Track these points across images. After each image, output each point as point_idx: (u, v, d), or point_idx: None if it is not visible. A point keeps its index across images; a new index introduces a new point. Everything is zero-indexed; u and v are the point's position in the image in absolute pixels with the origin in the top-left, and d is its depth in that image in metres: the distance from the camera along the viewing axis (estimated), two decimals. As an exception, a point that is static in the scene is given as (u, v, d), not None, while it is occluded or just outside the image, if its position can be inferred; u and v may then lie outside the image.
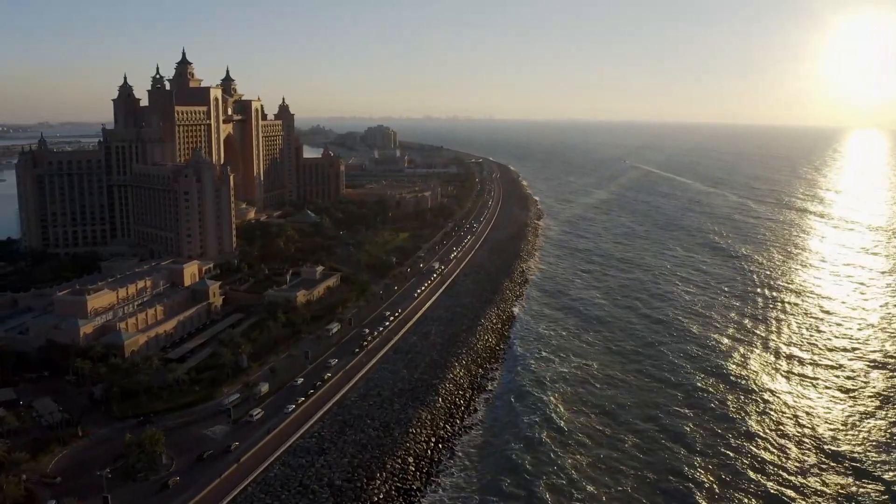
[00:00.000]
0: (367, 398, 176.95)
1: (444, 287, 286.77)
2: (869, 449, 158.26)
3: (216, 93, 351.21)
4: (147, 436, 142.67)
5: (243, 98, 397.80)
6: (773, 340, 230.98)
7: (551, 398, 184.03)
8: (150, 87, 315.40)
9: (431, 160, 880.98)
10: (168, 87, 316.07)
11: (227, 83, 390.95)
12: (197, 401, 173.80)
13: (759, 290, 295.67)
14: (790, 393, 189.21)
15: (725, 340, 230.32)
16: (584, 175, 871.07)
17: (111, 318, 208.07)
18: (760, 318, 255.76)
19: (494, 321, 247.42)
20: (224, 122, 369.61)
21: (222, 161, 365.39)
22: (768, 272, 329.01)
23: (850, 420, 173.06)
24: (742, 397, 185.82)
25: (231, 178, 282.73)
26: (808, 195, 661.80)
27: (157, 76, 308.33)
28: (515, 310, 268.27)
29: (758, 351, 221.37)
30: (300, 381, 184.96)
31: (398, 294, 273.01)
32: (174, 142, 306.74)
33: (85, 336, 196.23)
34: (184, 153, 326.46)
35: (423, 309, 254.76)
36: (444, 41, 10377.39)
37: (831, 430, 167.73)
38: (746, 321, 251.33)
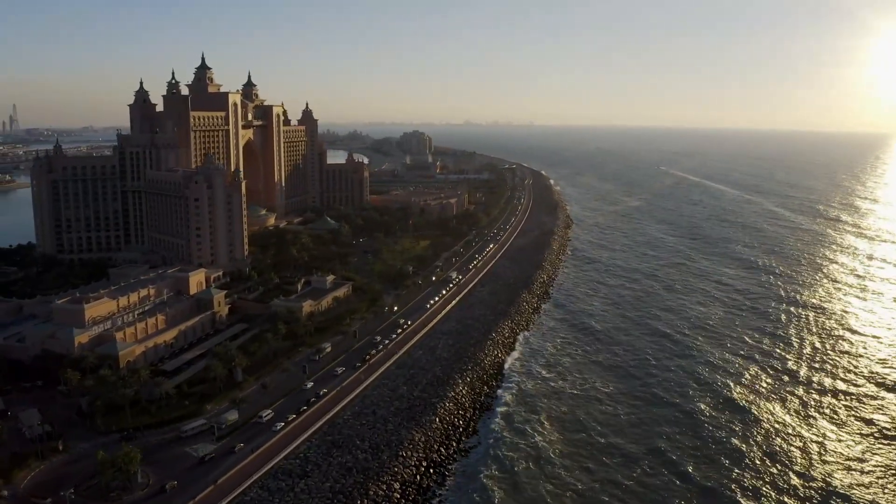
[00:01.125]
0: (360, 417, 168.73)
1: (458, 298, 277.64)
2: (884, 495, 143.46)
3: (235, 98, 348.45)
4: (121, 454, 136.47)
5: (265, 103, 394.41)
6: (794, 365, 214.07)
7: (551, 424, 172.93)
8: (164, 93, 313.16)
9: (463, 166, 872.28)
10: (184, 91, 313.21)
11: (248, 88, 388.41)
12: (185, 416, 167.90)
13: (782, 307, 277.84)
14: (810, 426, 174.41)
15: (743, 363, 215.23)
16: (618, 182, 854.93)
17: (109, 327, 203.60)
18: (781, 338, 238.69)
19: (507, 335, 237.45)
20: (244, 127, 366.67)
21: (241, 167, 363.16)
22: (795, 288, 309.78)
23: (866, 460, 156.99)
24: (755, 429, 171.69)
25: (243, 184, 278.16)
26: (845, 204, 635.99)
27: (173, 81, 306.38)
28: (531, 323, 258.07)
29: (774, 376, 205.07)
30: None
31: (410, 305, 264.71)
32: (189, 147, 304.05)
33: (80, 345, 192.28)
34: (200, 159, 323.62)
35: (434, 321, 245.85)
36: (486, 47, 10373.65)
37: (843, 468, 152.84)
38: (765, 342, 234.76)
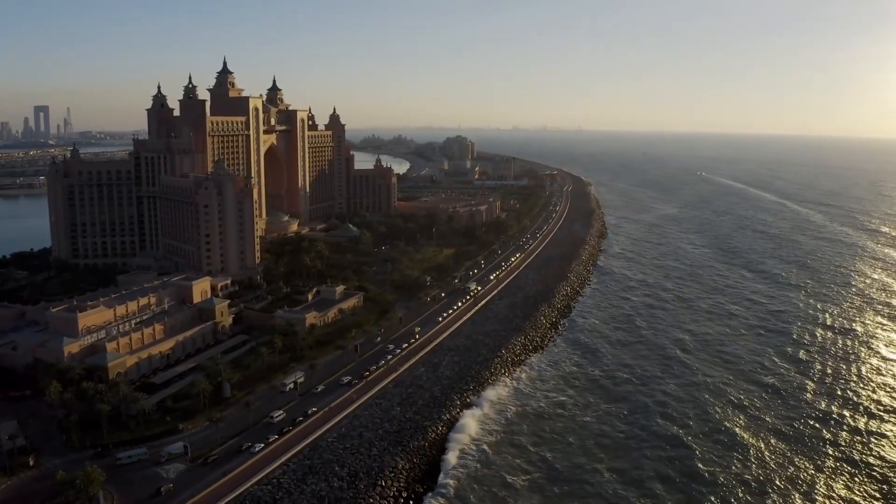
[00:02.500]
0: (345, 439, 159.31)
1: (473, 310, 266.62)
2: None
3: (256, 103, 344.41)
4: (81, 474, 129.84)
5: (289, 108, 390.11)
6: (822, 401, 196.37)
7: (542, 458, 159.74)
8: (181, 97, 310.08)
9: (502, 171, 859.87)
10: (200, 96, 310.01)
11: (273, 93, 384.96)
12: (164, 433, 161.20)
13: (819, 332, 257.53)
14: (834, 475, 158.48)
15: (770, 404, 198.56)
16: (658, 189, 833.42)
17: (103, 336, 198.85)
18: (812, 372, 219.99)
19: (518, 353, 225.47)
20: (266, 132, 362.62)
21: (262, 172, 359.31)
22: (835, 312, 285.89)
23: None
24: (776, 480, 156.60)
25: (254, 190, 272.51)
26: (892, 214, 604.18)
27: (190, 85, 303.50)
28: (546, 340, 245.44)
29: (800, 416, 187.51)
30: (277, 416, 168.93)
31: (422, 317, 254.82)
32: (205, 152, 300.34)
33: (70, 355, 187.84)
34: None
35: (443, 336, 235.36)
36: (534, 52, 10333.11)
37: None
38: (793, 377, 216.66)
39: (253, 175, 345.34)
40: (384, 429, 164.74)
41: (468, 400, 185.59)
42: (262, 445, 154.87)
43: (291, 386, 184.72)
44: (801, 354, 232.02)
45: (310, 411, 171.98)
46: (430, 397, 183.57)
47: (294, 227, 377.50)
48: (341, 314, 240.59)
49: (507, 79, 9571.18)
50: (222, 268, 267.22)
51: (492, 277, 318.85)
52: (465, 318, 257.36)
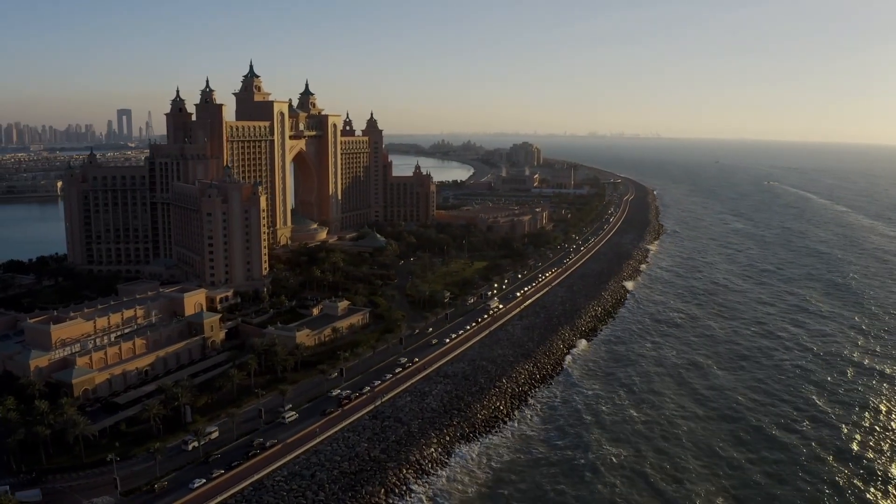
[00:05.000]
0: (294, 479, 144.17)
1: (487, 331, 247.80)
2: None
3: (281, 107, 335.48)
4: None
5: (322, 112, 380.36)
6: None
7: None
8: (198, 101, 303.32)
9: (562, 179, 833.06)
10: (219, 100, 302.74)
11: (305, 98, 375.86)
12: (100, 462, 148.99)
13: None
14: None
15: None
16: (725, 199, 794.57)
17: (78, 350, 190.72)
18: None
19: (521, 383, 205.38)
20: (293, 137, 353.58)
21: (287, 179, 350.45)
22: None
23: None
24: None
25: (262, 198, 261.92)
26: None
27: (207, 89, 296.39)
28: (558, 366, 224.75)
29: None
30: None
31: (429, 337, 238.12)
32: (221, 158, 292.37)
33: (37, 369, 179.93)
34: (240, 170, 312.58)
35: (445, 359, 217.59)
36: (611, 57, 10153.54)
37: None
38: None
39: (277, 182, 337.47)
40: (341, 469, 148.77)
41: (446, 438, 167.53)
42: (204, 481, 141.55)
43: (195, 444, 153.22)
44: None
45: (268, 443, 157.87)
46: (405, 433, 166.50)
47: (322, 235, 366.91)
48: (335, 333, 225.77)
49: (585, 83, 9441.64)
50: (227, 279, 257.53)
51: (518, 294, 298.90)
52: (474, 339, 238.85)
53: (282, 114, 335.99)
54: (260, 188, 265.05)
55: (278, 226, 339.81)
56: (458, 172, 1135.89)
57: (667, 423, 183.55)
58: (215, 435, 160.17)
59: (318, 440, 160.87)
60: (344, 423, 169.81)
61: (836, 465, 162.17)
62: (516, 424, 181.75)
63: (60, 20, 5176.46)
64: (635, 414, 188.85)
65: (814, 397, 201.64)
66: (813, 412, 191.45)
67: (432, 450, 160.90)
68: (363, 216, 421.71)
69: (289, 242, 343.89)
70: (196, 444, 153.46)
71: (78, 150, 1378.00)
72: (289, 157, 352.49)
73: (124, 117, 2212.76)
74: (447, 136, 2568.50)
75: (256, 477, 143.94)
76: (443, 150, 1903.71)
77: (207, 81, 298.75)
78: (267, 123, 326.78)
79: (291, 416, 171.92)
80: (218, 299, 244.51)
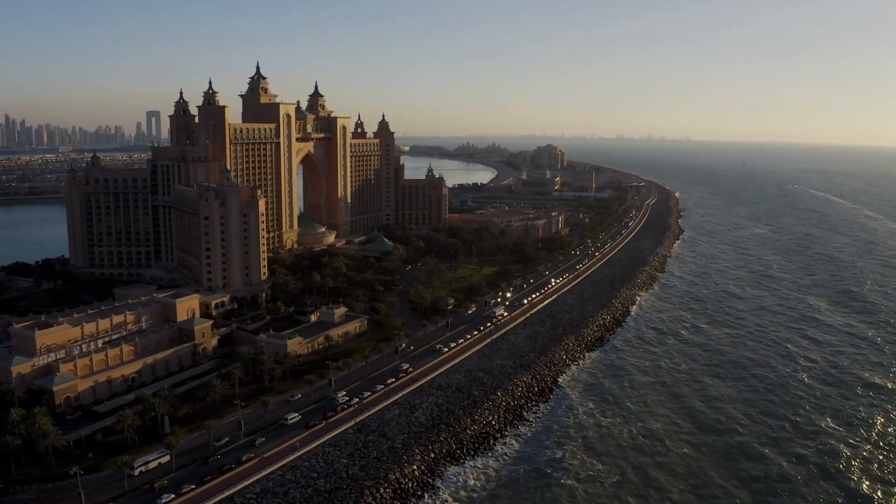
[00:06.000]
0: (266, 496, 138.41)
1: (488, 340, 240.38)
2: None
3: (287, 109, 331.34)
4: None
5: (332, 115, 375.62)
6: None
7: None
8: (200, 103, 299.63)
9: (583, 182, 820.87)
10: (222, 102, 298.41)
11: (314, 99, 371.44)
12: (83, 471, 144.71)
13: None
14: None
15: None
16: (748, 203, 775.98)
17: (63, 356, 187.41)
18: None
19: (517, 396, 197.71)
20: (301, 140, 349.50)
21: (294, 181, 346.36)
22: None
23: None
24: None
25: (261, 202, 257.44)
26: None
27: (210, 91, 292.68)
28: (559, 375, 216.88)
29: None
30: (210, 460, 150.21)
31: (427, 346, 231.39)
32: (224, 160, 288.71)
33: (19, 376, 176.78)
34: (244, 173, 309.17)
35: (440, 370, 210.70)
36: (640, 60, 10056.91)
37: None
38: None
39: (283, 185, 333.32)
40: (316, 486, 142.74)
41: (430, 456, 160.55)
42: (172, 496, 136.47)
43: (143, 469, 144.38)
44: None
45: (244, 457, 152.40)
46: (388, 449, 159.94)
47: (330, 239, 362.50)
48: (328, 340, 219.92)
49: (614, 86, 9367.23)
50: (225, 283, 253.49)
51: (525, 301, 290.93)
52: (474, 349, 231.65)
53: (288, 116, 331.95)
54: (259, 191, 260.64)
55: (284, 229, 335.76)
56: (482, 175, 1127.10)
57: (660, 444, 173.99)
58: (166, 459, 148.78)
59: (297, 455, 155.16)
60: (326, 437, 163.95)
61: (829, 487, 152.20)
62: (507, 441, 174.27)
63: (94, 21, 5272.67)
64: (626, 432, 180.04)
65: (814, 415, 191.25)
66: (813, 428, 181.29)
67: (414, 468, 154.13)
68: (374, 219, 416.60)
69: (295, 246, 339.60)
70: (143, 468, 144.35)
71: (107, 152, 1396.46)
72: (296, 160, 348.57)
73: (153, 119, 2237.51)
74: (473, 139, 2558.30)
75: (227, 494, 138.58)
76: (467, 153, 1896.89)
77: (210, 83, 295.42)
78: (272, 125, 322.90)
79: (294, 417, 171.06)
80: (213, 305, 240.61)
